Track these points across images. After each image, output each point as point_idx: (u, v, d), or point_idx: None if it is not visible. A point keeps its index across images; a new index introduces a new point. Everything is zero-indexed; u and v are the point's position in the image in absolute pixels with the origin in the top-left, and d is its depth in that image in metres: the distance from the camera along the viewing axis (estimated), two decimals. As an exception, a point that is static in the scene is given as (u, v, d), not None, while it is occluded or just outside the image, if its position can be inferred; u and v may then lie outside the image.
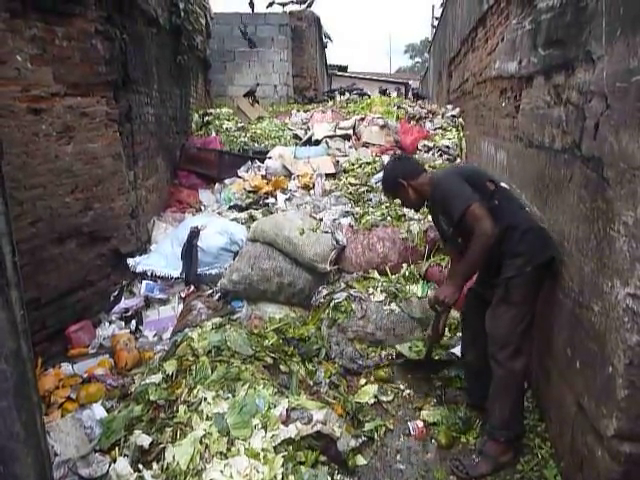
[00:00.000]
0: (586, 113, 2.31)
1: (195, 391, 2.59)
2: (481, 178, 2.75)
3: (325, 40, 17.43)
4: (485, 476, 2.55)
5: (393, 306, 3.75)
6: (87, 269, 4.22)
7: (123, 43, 4.52)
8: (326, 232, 4.24)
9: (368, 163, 6.64)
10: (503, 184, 2.76)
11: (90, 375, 3.27)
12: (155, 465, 2.33)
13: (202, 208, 6.35)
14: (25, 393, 1.51)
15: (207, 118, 8.78)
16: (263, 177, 6.56)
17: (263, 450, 2.31)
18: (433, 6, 23.22)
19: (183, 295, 4.40)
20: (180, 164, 7.06)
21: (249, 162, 7.09)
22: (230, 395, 2.55)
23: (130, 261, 4.55)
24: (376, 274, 4.14)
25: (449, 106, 9.10)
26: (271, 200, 5.88)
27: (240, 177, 6.76)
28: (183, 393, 2.62)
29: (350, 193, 5.61)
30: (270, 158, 6.98)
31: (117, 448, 2.49)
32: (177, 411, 2.53)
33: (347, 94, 12.07)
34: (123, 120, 4.59)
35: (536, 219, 2.86)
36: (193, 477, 2.21)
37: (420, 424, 2.94)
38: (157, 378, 2.86)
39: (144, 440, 2.43)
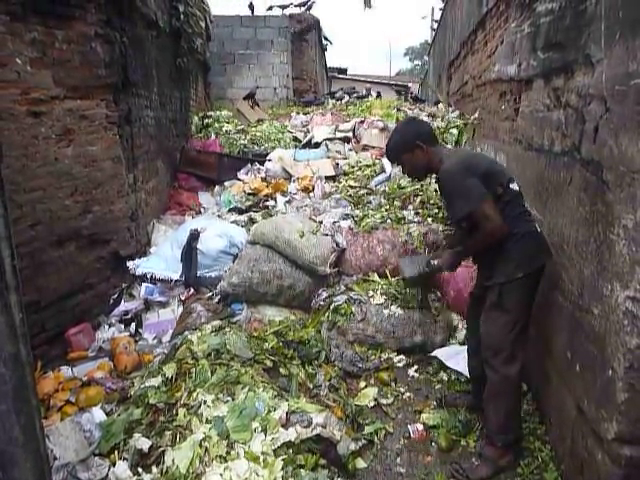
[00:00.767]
0: (585, 116, 2.31)
1: (195, 394, 2.59)
2: (493, 179, 2.52)
3: (325, 43, 17.45)
4: (485, 479, 2.54)
5: (393, 309, 3.75)
6: (87, 272, 4.22)
7: (123, 46, 4.52)
8: (326, 235, 4.24)
9: (368, 166, 6.64)
10: (513, 186, 2.60)
11: (90, 378, 3.26)
12: (155, 469, 2.33)
13: (202, 211, 6.35)
14: (24, 397, 1.50)
15: (207, 121, 8.78)
16: (263, 180, 6.56)
17: (263, 453, 2.30)
18: (432, 9, 23.17)
19: (183, 298, 4.39)
20: (180, 167, 7.06)
21: (249, 165, 7.09)
22: (230, 398, 2.55)
23: (130, 264, 4.54)
24: (376, 277, 4.14)
25: (449, 108, 9.10)
26: (271, 203, 5.88)
27: (240, 180, 6.76)
28: (183, 396, 2.61)
29: (350, 196, 5.61)
30: (270, 161, 6.98)
31: (116, 452, 2.49)
32: (177, 414, 2.53)
33: (347, 96, 12.05)
34: (123, 123, 4.59)
35: (536, 223, 2.84)
36: (193, 481, 2.21)
37: (420, 427, 2.94)
38: (157, 381, 2.86)
39: (143, 443, 2.42)
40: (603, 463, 2.01)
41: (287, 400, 2.61)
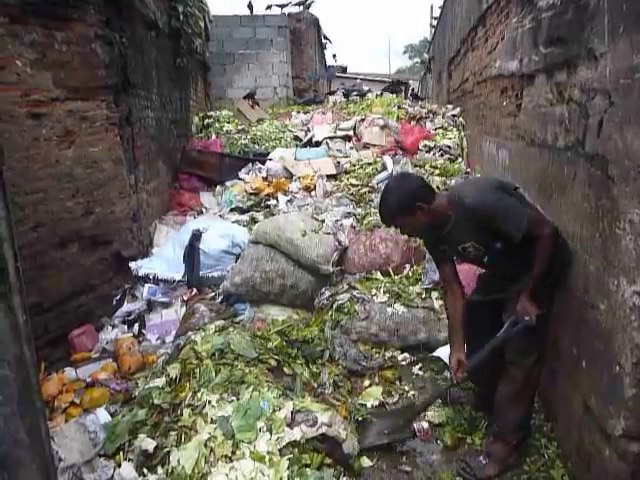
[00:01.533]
0: (589, 111, 2.30)
1: (199, 394, 2.57)
2: (507, 190, 2.50)
3: (324, 41, 17.43)
4: (492, 478, 2.53)
5: (397, 307, 3.74)
6: (89, 273, 4.21)
7: (122, 47, 4.51)
8: (328, 233, 4.23)
9: (369, 164, 6.64)
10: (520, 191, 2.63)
11: (94, 379, 3.25)
12: (160, 469, 2.32)
13: (203, 211, 6.34)
14: (29, 399, 1.50)
15: (207, 121, 8.77)
16: (264, 179, 6.55)
17: (268, 453, 2.30)
18: (432, 6, 23.07)
19: (186, 298, 4.39)
20: (181, 167, 7.05)
21: (250, 164, 7.08)
22: (234, 398, 2.54)
23: (132, 265, 4.54)
24: (379, 275, 4.13)
25: (449, 106, 9.10)
26: (272, 202, 5.87)
27: (241, 179, 6.75)
28: (187, 396, 2.60)
29: (352, 194, 5.61)
30: (271, 160, 6.98)
31: (121, 452, 2.49)
32: (181, 415, 2.52)
33: (346, 93, 12.01)
34: (123, 124, 4.58)
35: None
36: (198, 481, 2.20)
37: (425, 425, 2.93)
38: (161, 382, 2.85)
39: (148, 444, 2.41)
40: (610, 460, 2.00)
41: (292, 399, 2.60)
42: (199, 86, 9.41)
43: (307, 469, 2.30)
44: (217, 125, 8.68)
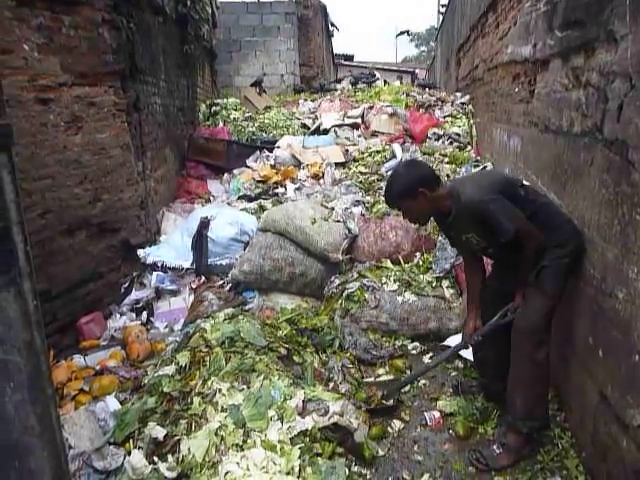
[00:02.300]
0: (608, 95, 2.24)
1: (209, 383, 2.55)
2: (513, 186, 2.56)
3: (331, 29, 17.28)
4: (506, 468, 2.50)
5: (407, 295, 3.70)
6: (97, 261, 4.21)
7: (130, 32, 4.47)
8: (338, 221, 4.19)
9: (378, 152, 6.57)
10: (525, 182, 2.65)
11: (102, 367, 3.25)
12: (170, 457, 2.30)
13: (211, 199, 6.32)
14: (39, 385, 1.47)
15: (214, 108, 8.70)
16: (272, 167, 6.51)
17: (279, 442, 2.27)
18: (439, -6, 22.95)
19: (194, 286, 4.38)
20: (188, 155, 7.03)
21: (257, 152, 7.04)
22: (245, 386, 2.52)
23: (140, 252, 4.53)
24: (389, 263, 4.09)
25: (458, 94, 8.99)
26: (280, 190, 5.83)
27: (249, 167, 6.71)
28: (197, 385, 2.58)
29: (360, 182, 5.55)
30: (279, 148, 6.93)
31: (131, 440, 2.47)
32: (191, 403, 2.50)
33: (355, 80, 11.90)
34: (131, 110, 4.55)
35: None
36: (209, 469, 2.18)
37: (437, 415, 2.90)
38: (170, 370, 2.83)
39: (158, 432, 2.40)
40: (628, 450, 1.96)
41: (303, 388, 2.58)
42: (206, 73, 9.35)
43: (319, 458, 2.28)
44: (224, 113, 8.61)
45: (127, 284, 4.45)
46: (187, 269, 4.43)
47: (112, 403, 2.77)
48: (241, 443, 2.27)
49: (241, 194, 5.92)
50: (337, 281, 4.00)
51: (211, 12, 8.58)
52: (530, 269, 2.49)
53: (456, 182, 3.01)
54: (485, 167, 5.57)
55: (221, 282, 4.31)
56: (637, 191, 1.89)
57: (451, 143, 7.07)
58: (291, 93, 11.98)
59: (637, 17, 1.95)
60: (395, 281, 3.83)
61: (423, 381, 3.29)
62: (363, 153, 6.66)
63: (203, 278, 4.41)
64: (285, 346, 3.04)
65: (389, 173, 5.69)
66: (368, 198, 4.95)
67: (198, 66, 8.35)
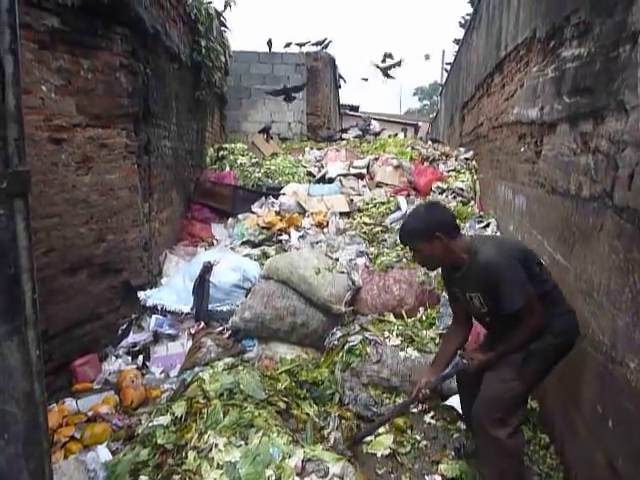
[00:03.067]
0: (619, 162, 2.25)
1: (206, 436, 2.47)
2: (531, 261, 2.52)
3: (339, 81, 17.72)
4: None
5: (409, 351, 3.64)
6: (97, 301, 4.15)
7: (146, 77, 4.57)
8: (342, 272, 4.17)
9: (382, 203, 6.61)
10: (542, 261, 2.66)
11: (95, 413, 3.15)
12: (161, 515, 2.20)
13: (214, 242, 6.30)
14: (36, 439, 1.42)
15: (222, 152, 8.82)
16: (277, 213, 6.52)
17: (277, 504, 2.18)
18: (443, 51, 23.84)
19: (193, 331, 4.30)
20: (194, 197, 7.06)
21: (263, 198, 7.07)
22: (243, 442, 2.43)
23: (140, 294, 4.48)
24: (392, 317, 4.05)
25: (462, 149, 9.12)
26: (284, 237, 5.82)
27: (254, 213, 6.73)
28: (193, 438, 2.50)
29: (364, 233, 5.56)
30: (284, 194, 6.97)
31: (121, 494, 2.37)
32: (186, 457, 2.41)
33: (361, 132, 12.11)
34: (141, 152, 4.60)
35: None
36: (201, 531, 2.08)
37: (438, 479, 2.80)
38: (165, 420, 2.74)
39: (150, 487, 2.31)
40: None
41: (302, 447, 2.49)
42: (215, 118, 9.52)
43: (316, 523, 2.18)
44: (231, 157, 8.71)
45: (125, 326, 4.38)
46: (187, 314, 4.38)
47: (103, 453, 2.68)
48: (236, 504, 2.18)
49: (245, 239, 5.91)
50: (339, 333, 3.94)
51: (224, 60, 8.80)
52: (519, 346, 2.42)
53: (477, 238, 2.96)
54: (489, 223, 5.58)
55: (220, 328, 4.24)
56: (649, 260, 1.88)
57: (455, 198, 7.12)
58: (298, 141, 12.17)
59: (648, 89, 1.98)
60: (398, 336, 3.78)
61: (424, 442, 3.19)
62: (368, 204, 6.70)
63: (202, 323, 4.34)
64: (284, 399, 2.96)
65: (393, 224, 5.72)
66: (372, 249, 4.95)
67: (208, 111, 8.50)
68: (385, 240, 5.24)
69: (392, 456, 3.04)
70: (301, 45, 13.13)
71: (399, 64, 13.36)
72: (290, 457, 2.36)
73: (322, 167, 8.45)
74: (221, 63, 8.21)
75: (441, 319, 3.92)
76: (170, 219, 5.90)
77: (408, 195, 6.88)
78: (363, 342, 3.74)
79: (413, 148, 9.19)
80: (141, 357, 4.16)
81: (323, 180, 7.83)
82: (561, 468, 2.85)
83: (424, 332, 3.84)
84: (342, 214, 6.37)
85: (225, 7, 7.32)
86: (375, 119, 17.72)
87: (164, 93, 5.44)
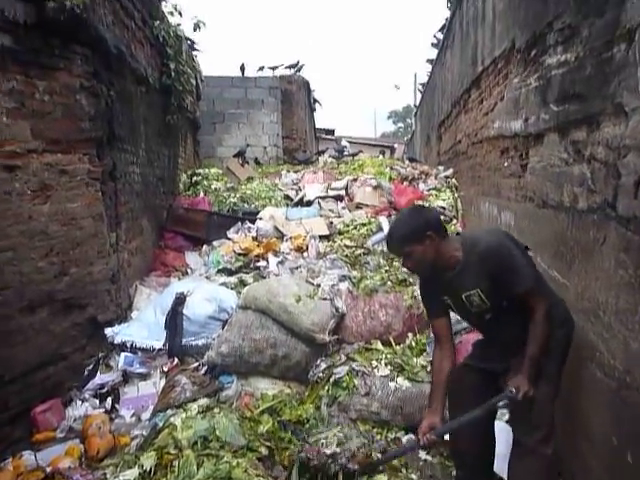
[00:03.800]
0: (621, 170, 2.09)
1: (177, 494, 2.18)
2: (521, 246, 2.44)
3: (314, 104, 17.73)
4: None
5: (400, 381, 3.39)
6: (59, 341, 3.84)
7: (110, 100, 4.33)
8: (324, 299, 3.92)
9: (363, 224, 6.40)
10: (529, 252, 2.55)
11: (54, 469, 2.82)
12: None
13: (189, 272, 6.02)
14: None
15: (195, 178, 8.59)
16: (254, 239, 6.27)
17: None
18: (415, 74, 24.34)
19: (166, 369, 3.99)
20: (167, 225, 6.80)
21: (239, 223, 6.82)
22: (219, 500, 2.15)
23: (108, 331, 4.16)
24: (379, 345, 3.81)
25: (440, 167, 9.05)
26: (262, 263, 5.56)
27: (229, 239, 6.46)
28: (162, 496, 2.21)
29: (346, 256, 5.33)
30: (261, 219, 6.72)
31: None
32: (155, 520, 2.12)
33: (338, 154, 11.99)
34: (106, 179, 4.33)
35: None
36: None
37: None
38: (133, 474, 2.45)
39: None
40: None
41: (288, 502, 2.21)
42: (188, 143, 9.32)
43: None
44: (205, 183, 8.48)
45: (91, 366, 4.04)
46: (159, 350, 4.07)
47: (60, 518, 2.36)
48: None
49: (220, 267, 5.63)
50: (323, 365, 3.68)
51: (195, 84, 8.63)
52: (544, 340, 2.25)
53: (465, 234, 2.82)
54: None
55: (196, 364, 3.94)
56: (665, 275, 1.69)
57: (437, 216, 6.97)
58: (274, 164, 12.01)
59: (651, 89, 1.82)
60: (386, 365, 3.54)
61: (421, 482, 2.93)
62: (348, 226, 6.49)
63: (176, 360, 4.04)
64: (266, 444, 2.68)
65: (375, 246, 5.52)
66: (355, 273, 4.72)
67: (180, 136, 8.30)
68: (368, 263, 5.02)
69: (387, 500, 2.76)
70: (274, 68, 13.07)
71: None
72: (274, 516, 2.09)
73: (299, 190, 8.28)
74: (192, 87, 8.04)
75: (432, 344, 3.67)
76: (141, 249, 5.61)
77: (389, 215, 6.70)
78: (350, 373, 3.49)
79: (392, 168, 9.07)
80: (109, 400, 3.83)
81: (301, 203, 7.65)
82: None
83: (414, 360, 3.61)
84: (322, 237, 6.15)
85: (194, 29, 7.15)
86: (352, 142, 17.74)
87: (131, 117, 5.21)
